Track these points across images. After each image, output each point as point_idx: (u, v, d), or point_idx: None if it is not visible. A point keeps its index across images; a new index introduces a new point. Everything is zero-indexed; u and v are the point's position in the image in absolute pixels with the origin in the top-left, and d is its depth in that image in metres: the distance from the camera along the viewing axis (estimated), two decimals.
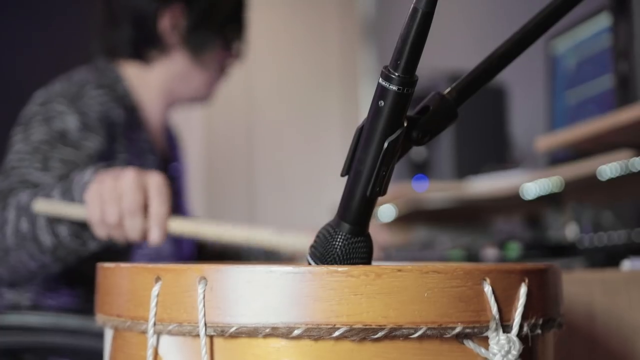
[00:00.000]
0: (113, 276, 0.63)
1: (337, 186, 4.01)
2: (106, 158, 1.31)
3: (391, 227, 2.52)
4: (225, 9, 1.50)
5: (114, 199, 0.97)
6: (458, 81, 0.64)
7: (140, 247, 1.39)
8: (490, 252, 1.38)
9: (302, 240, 0.94)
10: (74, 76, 1.40)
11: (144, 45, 1.47)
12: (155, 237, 0.97)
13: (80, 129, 1.28)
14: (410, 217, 2.39)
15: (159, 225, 0.97)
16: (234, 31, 1.53)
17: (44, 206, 1.05)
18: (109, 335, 0.65)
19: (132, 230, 0.98)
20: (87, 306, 1.31)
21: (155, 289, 0.58)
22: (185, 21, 1.46)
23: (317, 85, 4.16)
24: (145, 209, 0.98)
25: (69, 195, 1.05)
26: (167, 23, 1.45)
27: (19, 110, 1.35)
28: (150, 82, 1.48)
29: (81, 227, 1.07)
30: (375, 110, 0.57)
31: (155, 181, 0.99)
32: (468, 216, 2.34)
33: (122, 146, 1.36)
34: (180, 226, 0.99)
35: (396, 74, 0.56)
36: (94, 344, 1.23)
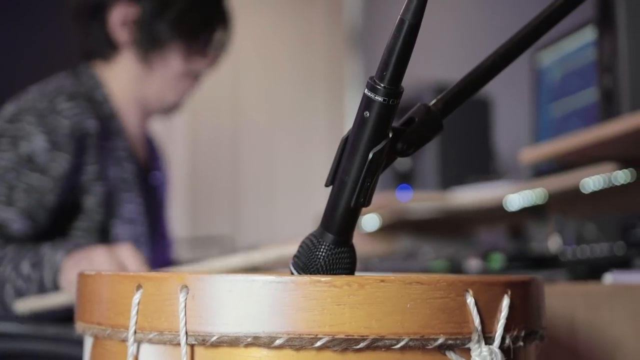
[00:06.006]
0: (94, 284, 0.62)
1: (322, 194, 4.00)
2: (74, 175, 1.30)
3: (375, 236, 2.52)
4: (179, 4, 1.40)
5: None
6: (444, 93, 0.64)
7: None
8: (474, 263, 1.38)
9: (284, 251, 0.94)
10: (49, 85, 1.37)
11: (102, 44, 1.43)
12: None
13: (48, 149, 1.27)
14: (394, 226, 2.39)
15: None
16: (197, 31, 1.43)
17: (25, 306, 1.12)
18: (88, 343, 0.64)
19: None
20: (62, 313, 1.30)
21: (136, 297, 0.57)
22: (134, 16, 1.40)
23: (304, 93, 4.16)
24: None
25: (38, 268, 1.12)
26: (117, 18, 1.40)
27: None
28: (121, 86, 1.44)
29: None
30: (360, 120, 0.57)
31: (126, 251, 1.04)
32: (452, 227, 2.34)
33: (92, 157, 1.34)
34: None
35: (382, 85, 0.55)
36: (72, 351, 1.22)
